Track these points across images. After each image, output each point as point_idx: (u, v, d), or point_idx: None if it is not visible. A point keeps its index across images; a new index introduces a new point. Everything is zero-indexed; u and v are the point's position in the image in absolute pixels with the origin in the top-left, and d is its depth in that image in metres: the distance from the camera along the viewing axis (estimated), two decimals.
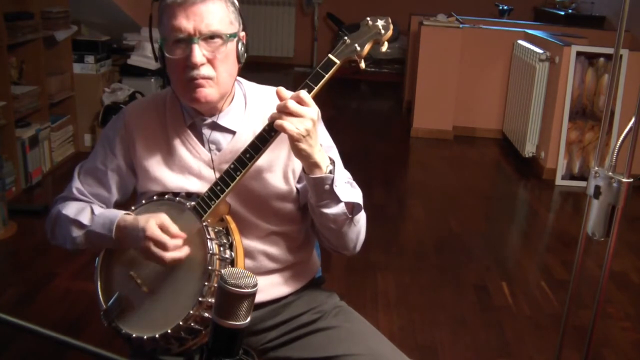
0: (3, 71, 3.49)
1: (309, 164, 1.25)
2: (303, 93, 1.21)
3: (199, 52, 1.26)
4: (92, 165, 1.43)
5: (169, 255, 1.22)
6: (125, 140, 1.39)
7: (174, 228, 1.24)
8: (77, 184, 1.43)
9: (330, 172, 1.26)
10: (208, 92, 1.30)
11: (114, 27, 4.85)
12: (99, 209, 1.38)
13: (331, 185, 1.26)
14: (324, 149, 1.32)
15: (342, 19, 7.95)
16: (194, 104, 1.33)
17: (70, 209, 1.38)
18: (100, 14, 4.77)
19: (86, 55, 4.35)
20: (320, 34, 8.19)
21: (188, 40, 1.25)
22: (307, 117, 1.20)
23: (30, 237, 3.11)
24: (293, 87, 1.26)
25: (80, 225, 1.35)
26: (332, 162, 1.28)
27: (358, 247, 1.41)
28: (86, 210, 1.37)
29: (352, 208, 1.32)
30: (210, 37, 1.27)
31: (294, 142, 1.20)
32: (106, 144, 1.41)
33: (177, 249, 1.23)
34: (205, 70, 1.28)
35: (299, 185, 1.41)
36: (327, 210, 1.29)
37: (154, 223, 1.23)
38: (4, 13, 3.46)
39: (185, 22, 1.24)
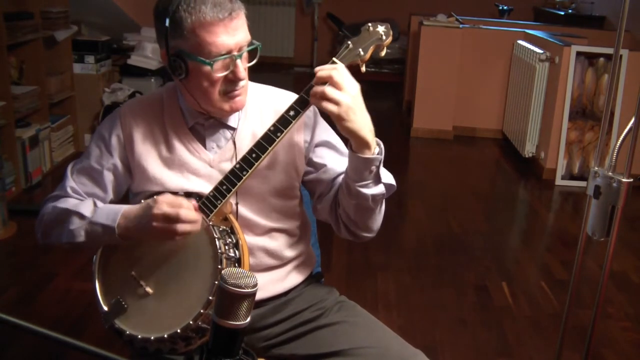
0: (3, 71, 3.49)
1: (357, 142, 1.24)
2: (341, 66, 1.22)
3: (243, 67, 1.28)
4: (86, 164, 1.40)
5: (183, 215, 1.20)
6: (122, 140, 1.38)
7: (185, 202, 1.22)
8: (71, 183, 1.39)
9: (378, 153, 1.26)
10: (244, 99, 1.33)
11: (114, 27, 4.85)
12: (101, 203, 1.36)
13: (378, 167, 1.27)
14: (331, 146, 1.35)
15: (342, 19, 7.94)
16: (230, 113, 1.34)
17: (69, 203, 1.36)
18: (100, 14, 4.77)
19: (86, 55, 4.35)
20: (320, 34, 8.19)
21: (230, 56, 1.25)
22: (347, 92, 1.20)
23: (30, 237, 3.09)
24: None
25: (81, 216, 1.32)
26: (378, 143, 1.28)
27: (378, 228, 1.42)
28: (87, 202, 1.35)
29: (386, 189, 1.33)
30: (250, 50, 1.28)
31: (339, 121, 1.20)
32: (101, 143, 1.39)
33: (189, 217, 1.21)
34: (245, 82, 1.30)
35: (310, 177, 1.42)
36: (366, 191, 1.29)
37: (162, 198, 1.22)
38: (4, 13, 3.45)
39: (228, 39, 1.23)
